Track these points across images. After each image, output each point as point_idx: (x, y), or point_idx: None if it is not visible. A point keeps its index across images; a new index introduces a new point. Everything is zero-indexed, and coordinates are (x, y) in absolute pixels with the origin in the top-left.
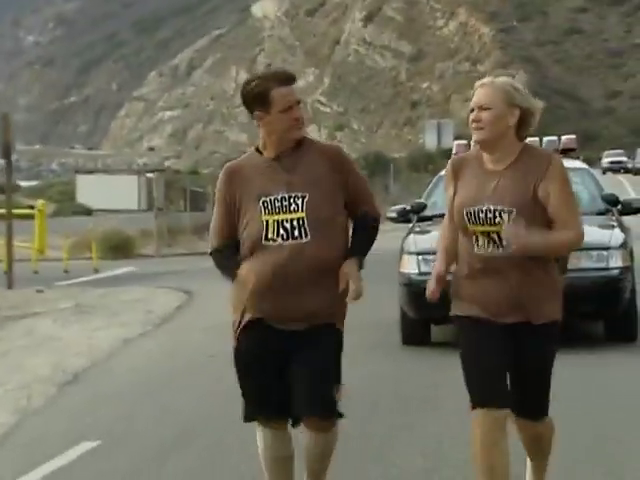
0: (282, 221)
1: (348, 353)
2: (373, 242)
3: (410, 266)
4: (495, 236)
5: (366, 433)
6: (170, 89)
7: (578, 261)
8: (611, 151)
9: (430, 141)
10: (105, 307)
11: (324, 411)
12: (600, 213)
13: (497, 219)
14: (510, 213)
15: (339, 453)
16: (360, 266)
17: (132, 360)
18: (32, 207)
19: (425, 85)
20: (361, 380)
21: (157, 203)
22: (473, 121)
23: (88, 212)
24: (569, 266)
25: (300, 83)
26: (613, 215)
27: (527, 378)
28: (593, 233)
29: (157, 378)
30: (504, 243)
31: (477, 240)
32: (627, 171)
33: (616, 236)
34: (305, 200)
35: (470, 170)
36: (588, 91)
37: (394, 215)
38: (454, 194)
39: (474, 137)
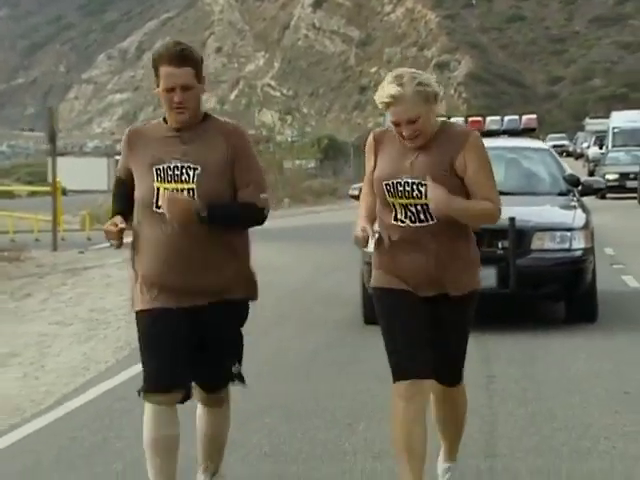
0: (172, 190)
1: (315, 326)
2: (236, 217)
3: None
4: (413, 208)
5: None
6: (120, 72)
7: (541, 242)
8: (553, 135)
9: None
10: None
11: (223, 386)
12: (562, 194)
13: (415, 192)
14: (424, 185)
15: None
16: (197, 209)
17: None
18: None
19: (373, 70)
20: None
21: None
22: (408, 137)
23: (63, 192)
24: (532, 247)
25: (250, 67)
26: (574, 196)
27: (445, 346)
28: (556, 214)
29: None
30: (430, 206)
31: (395, 212)
32: (569, 155)
33: (579, 217)
34: (197, 172)
35: (391, 144)
36: (531, 76)
37: (357, 193)
38: (374, 166)
39: (411, 145)
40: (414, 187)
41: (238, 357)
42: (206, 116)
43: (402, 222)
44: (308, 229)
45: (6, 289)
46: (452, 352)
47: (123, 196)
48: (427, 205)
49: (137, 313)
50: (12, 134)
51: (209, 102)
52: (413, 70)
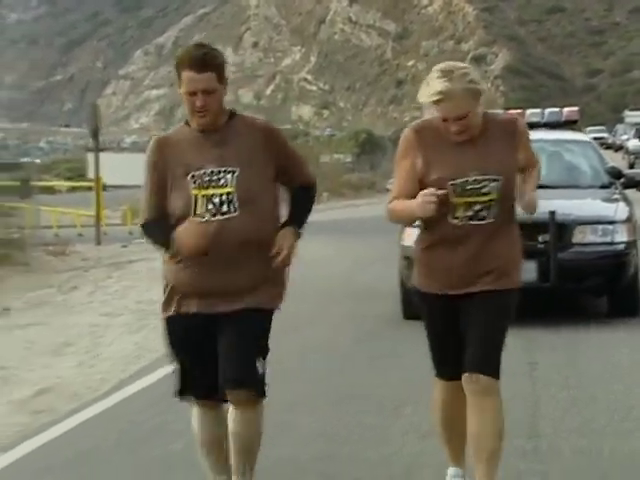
0: (211, 196)
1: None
2: (310, 212)
3: (412, 239)
4: (478, 206)
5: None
6: (156, 67)
7: (583, 235)
8: (592, 127)
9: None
10: None
11: (247, 384)
12: (604, 186)
13: (485, 189)
14: (496, 181)
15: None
16: (297, 235)
17: None
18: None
19: (410, 63)
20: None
21: None
22: (455, 132)
23: (103, 187)
24: (574, 240)
25: (287, 61)
26: (617, 188)
27: (483, 337)
28: (598, 207)
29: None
30: (526, 209)
31: (455, 210)
32: (608, 147)
33: (621, 210)
34: (235, 175)
35: (436, 141)
36: (570, 69)
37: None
38: (422, 164)
39: (458, 139)
40: (483, 183)
41: (261, 354)
42: (232, 114)
43: (460, 220)
44: (347, 222)
45: (53, 282)
46: (487, 341)
47: (168, 226)
48: (489, 202)
49: (166, 320)
50: (50, 130)
51: (245, 97)
52: (462, 65)
